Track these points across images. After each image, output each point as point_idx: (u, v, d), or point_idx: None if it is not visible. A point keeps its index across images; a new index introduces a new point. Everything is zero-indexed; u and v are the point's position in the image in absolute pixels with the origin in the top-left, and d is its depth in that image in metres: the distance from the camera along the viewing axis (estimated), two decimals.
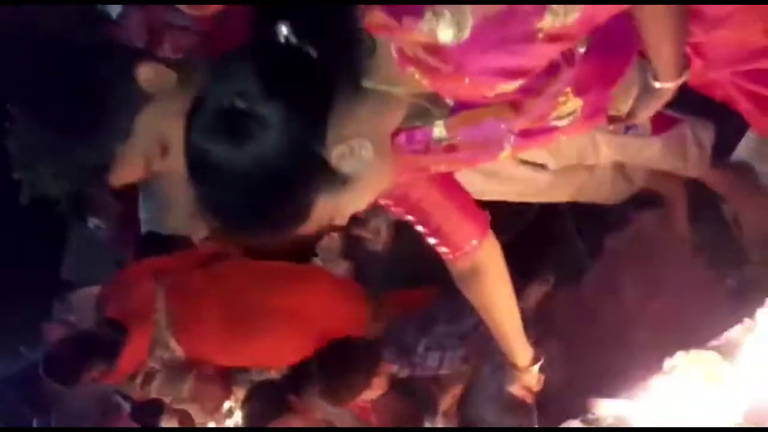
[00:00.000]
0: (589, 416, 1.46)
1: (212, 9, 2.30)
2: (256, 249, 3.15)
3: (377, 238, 3.10)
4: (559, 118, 1.19)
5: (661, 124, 1.73)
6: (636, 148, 1.79)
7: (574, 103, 1.18)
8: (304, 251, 3.45)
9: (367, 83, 0.97)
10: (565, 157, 1.82)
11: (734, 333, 1.20)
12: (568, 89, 1.15)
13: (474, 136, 1.16)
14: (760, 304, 1.13)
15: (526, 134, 1.19)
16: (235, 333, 2.44)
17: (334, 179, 0.97)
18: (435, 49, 0.94)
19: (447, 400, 2.48)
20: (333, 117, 0.93)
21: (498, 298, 1.48)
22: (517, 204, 2.03)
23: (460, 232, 1.37)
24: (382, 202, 1.29)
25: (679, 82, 1.22)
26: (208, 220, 1.04)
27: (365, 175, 0.99)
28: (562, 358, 1.92)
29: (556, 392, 1.80)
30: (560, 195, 1.94)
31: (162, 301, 2.46)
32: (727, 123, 1.75)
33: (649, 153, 1.81)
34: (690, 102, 1.68)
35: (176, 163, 1.24)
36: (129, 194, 2.61)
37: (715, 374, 1.18)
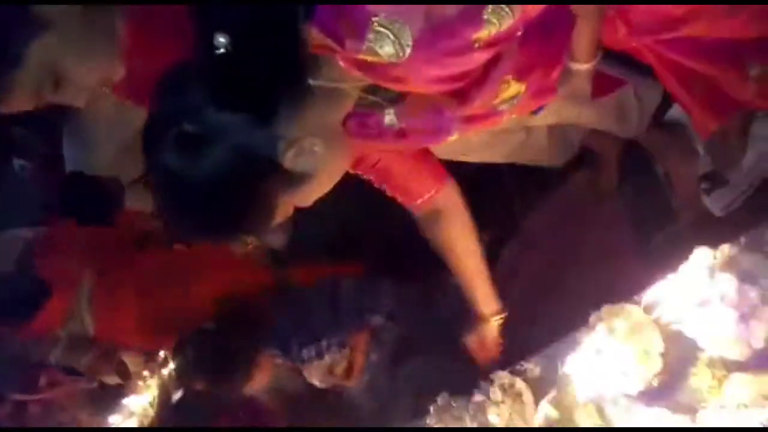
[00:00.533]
0: (518, 367, 1.50)
1: None
2: None
3: None
4: (503, 102, 1.23)
5: (603, 86, 1.73)
6: (573, 112, 1.79)
7: (517, 87, 1.22)
8: None
9: (312, 81, 1.01)
10: None
11: (658, 287, 1.24)
12: (509, 76, 1.18)
13: (422, 124, 1.21)
14: (684, 259, 1.16)
15: (471, 119, 1.23)
16: (147, 330, 2.52)
17: (291, 178, 1.03)
18: (379, 65, 1.00)
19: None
20: (279, 121, 0.98)
21: (460, 241, 1.52)
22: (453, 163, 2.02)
23: (418, 182, 1.43)
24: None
25: (593, 64, 1.31)
26: (170, 224, 1.11)
27: (322, 167, 1.07)
28: None
29: None
30: (495, 155, 1.94)
31: (89, 279, 2.48)
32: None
33: (587, 117, 1.82)
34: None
35: (71, 96, 1.20)
36: (55, 133, 2.50)
37: (637, 327, 1.21)
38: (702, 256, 1.14)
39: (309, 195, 1.10)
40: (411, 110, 1.19)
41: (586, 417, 1.32)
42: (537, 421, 1.41)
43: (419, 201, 1.46)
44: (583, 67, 1.32)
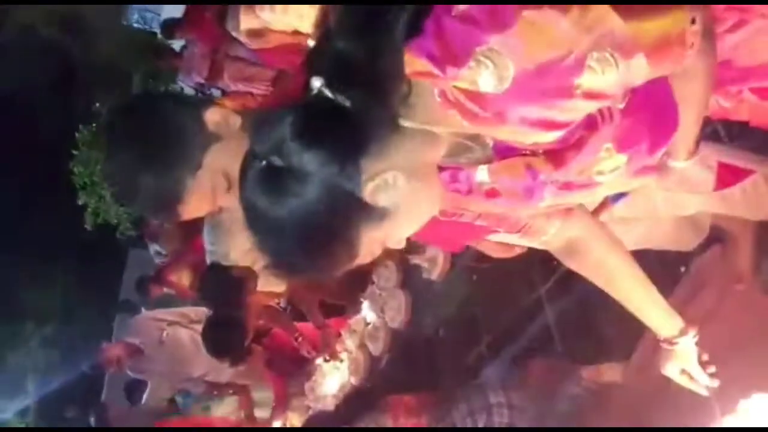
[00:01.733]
0: None
1: (272, 41, 2.39)
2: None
3: (433, 266, 3.12)
4: (601, 173, 1.19)
5: (727, 177, 1.67)
6: (698, 204, 1.73)
7: (617, 160, 1.17)
8: (362, 278, 3.51)
9: (406, 123, 1.02)
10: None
11: None
12: (609, 145, 1.15)
13: (514, 184, 1.17)
14: None
15: (567, 186, 1.19)
16: None
17: (373, 213, 1.01)
18: (476, 96, 0.99)
19: None
20: (365, 157, 0.98)
21: (607, 265, 1.37)
22: None
23: (537, 223, 1.33)
24: (446, 219, 1.29)
25: (692, 161, 1.27)
26: (266, 262, 1.08)
27: (404, 204, 1.04)
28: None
29: None
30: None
31: None
32: None
33: (711, 206, 1.74)
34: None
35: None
36: (189, 224, 2.76)
37: None
38: None
39: (393, 233, 1.07)
40: (504, 169, 1.15)
41: None
42: None
43: (545, 238, 1.35)
44: (679, 164, 1.27)
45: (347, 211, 1.00)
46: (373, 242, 1.05)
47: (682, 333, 1.34)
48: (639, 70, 1.02)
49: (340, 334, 3.67)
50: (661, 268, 2.13)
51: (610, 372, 2.14)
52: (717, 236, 2.03)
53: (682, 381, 1.38)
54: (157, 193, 1.31)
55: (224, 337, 3.13)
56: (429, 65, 0.98)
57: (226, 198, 1.35)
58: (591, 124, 1.09)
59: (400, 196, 1.02)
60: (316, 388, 3.58)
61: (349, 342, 3.50)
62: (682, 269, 2.10)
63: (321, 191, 0.97)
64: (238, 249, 2.35)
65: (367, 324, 3.44)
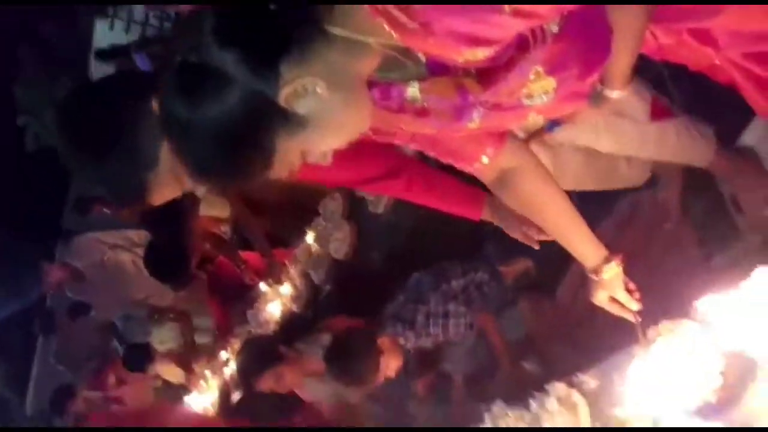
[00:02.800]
0: (575, 379, 1.52)
1: None
2: (258, 204, 3.24)
3: (379, 200, 3.15)
4: (530, 96, 1.19)
5: (661, 111, 1.75)
6: (635, 136, 1.78)
7: (547, 83, 1.18)
8: (307, 212, 3.51)
9: (334, 30, 0.97)
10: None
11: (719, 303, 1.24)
12: (539, 67, 1.15)
13: (443, 104, 1.17)
14: (746, 277, 1.17)
15: (496, 108, 1.19)
16: None
17: (290, 121, 0.98)
18: (403, 6, 0.95)
19: None
20: (284, 60, 0.94)
21: (539, 197, 1.40)
22: None
23: (473, 145, 1.33)
24: (379, 138, 1.28)
25: (623, 94, 1.29)
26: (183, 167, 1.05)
27: (326, 114, 1.00)
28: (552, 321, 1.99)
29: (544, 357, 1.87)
30: (582, 183, 1.93)
31: None
32: (731, 111, 1.77)
33: (649, 141, 1.81)
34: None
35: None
36: None
37: (696, 344, 1.22)
38: (764, 275, 1.15)
39: (313, 145, 1.03)
40: (435, 88, 1.14)
41: None
42: None
43: (478, 164, 1.35)
44: (613, 94, 1.30)
45: (263, 117, 0.96)
46: (290, 152, 1.01)
47: (606, 261, 1.41)
48: None
49: (284, 264, 3.70)
50: (597, 206, 2.22)
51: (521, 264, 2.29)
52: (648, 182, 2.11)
53: (613, 309, 1.46)
54: (120, 192, 1.29)
55: (166, 260, 3.12)
56: None
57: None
58: (522, 44, 1.08)
59: (321, 106, 0.98)
60: (258, 315, 3.61)
61: (293, 271, 3.53)
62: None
63: (237, 94, 0.93)
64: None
65: (311, 254, 3.46)
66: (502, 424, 1.62)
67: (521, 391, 1.64)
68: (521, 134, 1.47)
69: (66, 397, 4.32)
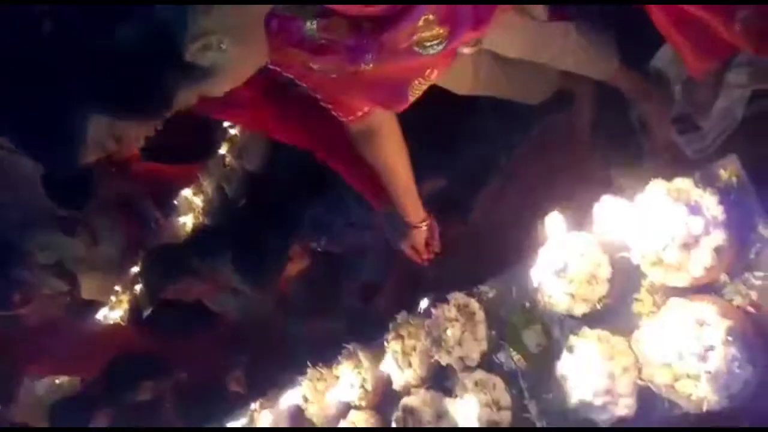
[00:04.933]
0: (474, 289, 1.56)
1: None
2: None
3: None
4: (422, 44, 1.22)
5: (559, 14, 1.74)
6: (536, 34, 1.77)
7: (438, 31, 1.20)
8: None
9: None
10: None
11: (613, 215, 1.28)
12: (430, 15, 1.17)
13: (339, 43, 1.18)
14: (640, 190, 1.19)
15: (388, 52, 1.21)
16: None
17: (193, 72, 1.00)
18: None
19: None
20: (190, 13, 0.95)
21: (391, 159, 1.59)
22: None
23: (350, 100, 1.43)
24: (272, 67, 1.29)
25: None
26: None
27: (228, 64, 1.02)
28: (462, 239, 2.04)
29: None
30: (478, 87, 1.93)
31: None
32: (644, 32, 1.77)
33: (551, 41, 1.80)
34: None
35: (128, 148, 1.25)
36: None
37: (586, 252, 1.26)
38: (657, 188, 1.17)
39: (214, 89, 1.07)
40: (332, 26, 1.16)
41: (534, 336, 1.38)
42: (486, 340, 1.47)
43: (352, 117, 1.47)
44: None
45: (165, 65, 0.97)
46: (190, 96, 1.04)
47: (423, 221, 1.79)
48: None
49: (197, 177, 3.59)
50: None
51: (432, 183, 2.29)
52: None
53: (408, 252, 1.85)
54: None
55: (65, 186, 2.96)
56: None
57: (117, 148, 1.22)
58: None
59: (224, 58, 1.01)
60: (170, 226, 3.52)
61: (206, 183, 3.43)
62: None
63: (143, 35, 0.93)
64: None
65: (225, 166, 3.37)
66: (404, 333, 1.66)
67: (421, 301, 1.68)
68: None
69: None
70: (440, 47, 1.23)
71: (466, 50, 1.57)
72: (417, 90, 1.38)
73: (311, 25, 1.16)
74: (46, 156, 1.08)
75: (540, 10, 1.66)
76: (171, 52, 0.96)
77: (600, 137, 2.11)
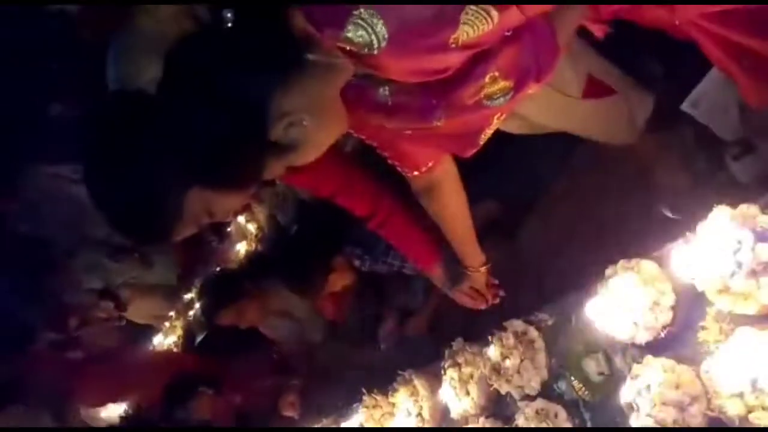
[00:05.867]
0: (533, 317, 1.55)
1: None
2: None
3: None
4: (490, 98, 1.26)
5: (594, 90, 1.75)
6: (563, 110, 1.78)
7: (504, 85, 1.25)
8: None
9: (311, 56, 1.08)
10: None
11: (675, 244, 1.26)
12: (495, 73, 1.22)
13: (410, 104, 1.25)
14: (703, 218, 1.18)
15: (458, 109, 1.27)
16: None
17: (279, 148, 1.10)
18: (358, 54, 1.07)
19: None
20: (276, 91, 1.06)
21: (452, 207, 1.64)
22: None
23: (419, 154, 1.49)
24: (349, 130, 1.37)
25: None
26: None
27: (311, 136, 1.13)
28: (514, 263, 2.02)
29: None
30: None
31: None
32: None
33: (576, 116, 1.80)
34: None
35: (222, 218, 1.36)
36: None
37: (649, 280, 1.25)
38: (721, 215, 1.16)
39: (299, 160, 1.17)
40: (403, 89, 1.23)
41: (595, 365, 1.36)
42: (546, 368, 1.46)
43: (417, 172, 1.52)
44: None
45: (254, 145, 1.07)
46: (277, 168, 1.14)
47: (483, 264, 1.78)
48: (512, 18, 1.10)
49: (250, 204, 3.66)
50: None
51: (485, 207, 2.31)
52: None
53: (466, 298, 1.83)
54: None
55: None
56: (305, 22, 1.05)
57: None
58: (480, 53, 1.16)
59: (306, 132, 1.11)
60: (224, 253, 3.59)
61: (258, 210, 3.50)
62: None
63: (233, 119, 1.04)
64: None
65: (278, 194, 3.42)
66: (460, 360, 1.65)
67: (480, 329, 1.67)
68: None
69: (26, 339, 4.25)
70: (507, 98, 1.27)
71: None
72: (487, 135, 1.42)
73: (384, 91, 1.24)
74: (143, 232, 1.15)
75: (574, 85, 1.69)
76: (257, 134, 1.07)
77: (657, 156, 2.08)
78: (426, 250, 1.85)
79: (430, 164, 1.51)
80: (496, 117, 1.35)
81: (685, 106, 1.74)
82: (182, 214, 1.12)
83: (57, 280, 4.08)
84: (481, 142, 1.42)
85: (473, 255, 1.76)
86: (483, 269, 1.78)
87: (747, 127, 1.75)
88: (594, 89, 1.74)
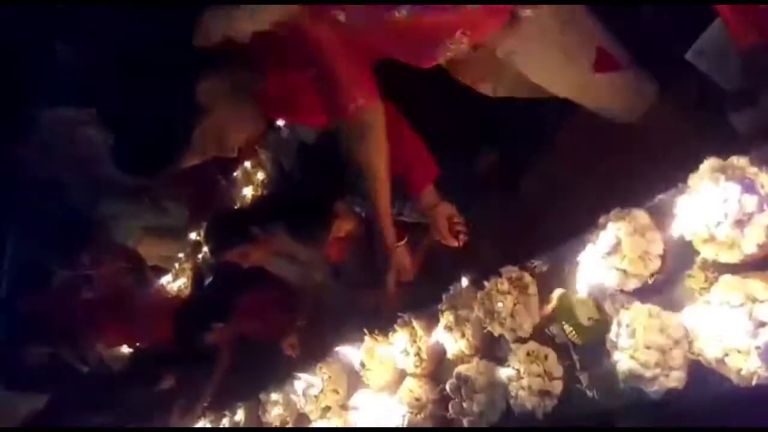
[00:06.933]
0: (528, 263, 1.59)
1: None
2: None
3: None
4: None
5: (603, 63, 1.74)
6: (575, 82, 1.80)
7: None
8: None
9: None
10: None
11: (667, 195, 1.29)
12: None
13: None
14: (695, 169, 1.20)
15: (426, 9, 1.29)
16: None
17: None
18: None
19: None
20: None
21: (374, 162, 1.62)
22: None
23: (354, 85, 1.50)
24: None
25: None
26: None
27: None
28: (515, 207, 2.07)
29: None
30: None
31: None
32: None
33: (587, 89, 1.82)
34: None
35: (228, 153, 1.58)
36: None
37: (640, 229, 1.28)
38: (710, 167, 1.18)
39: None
40: None
41: (585, 309, 1.41)
42: (538, 312, 1.51)
43: (350, 106, 1.52)
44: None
45: None
46: None
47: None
48: None
49: (255, 151, 3.68)
50: None
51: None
52: None
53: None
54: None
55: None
56: None
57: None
58: None
59: None
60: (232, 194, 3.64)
61: (264, 157, 3.52)
62: None
63: None
64: None
65: (281, 139, 3.45)
66: (457, 303, 1.71)
67: (479, 273, 1.72)
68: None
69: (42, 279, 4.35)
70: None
71: (528, 12, 1.58)
72: (449, 52, 1.41)
73: None
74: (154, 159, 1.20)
75: (585, 58, 1.70)
76: None
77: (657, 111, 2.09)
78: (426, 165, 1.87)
79: (361, 101, 1.51)
80: (462, 30, 1.34)
81: (689, 56, 1.74)
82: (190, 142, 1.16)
83: (70, 224, 4.15)
84: (441, 57, 1.42)
85: (390, 231, 1.77)
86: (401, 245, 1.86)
87: (748, 79, 1.75)
88: (605, 63, 1.74)
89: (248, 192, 3.55)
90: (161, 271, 4.69)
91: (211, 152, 1.43)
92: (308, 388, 2.27)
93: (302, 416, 2.40)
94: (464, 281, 1.74)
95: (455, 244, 1.92)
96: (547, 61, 1.72)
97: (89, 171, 3.90)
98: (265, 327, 3.13)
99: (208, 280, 3.88)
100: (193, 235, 4.25)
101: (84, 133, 3.80)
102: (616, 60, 1.78)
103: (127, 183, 3.95)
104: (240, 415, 2.99)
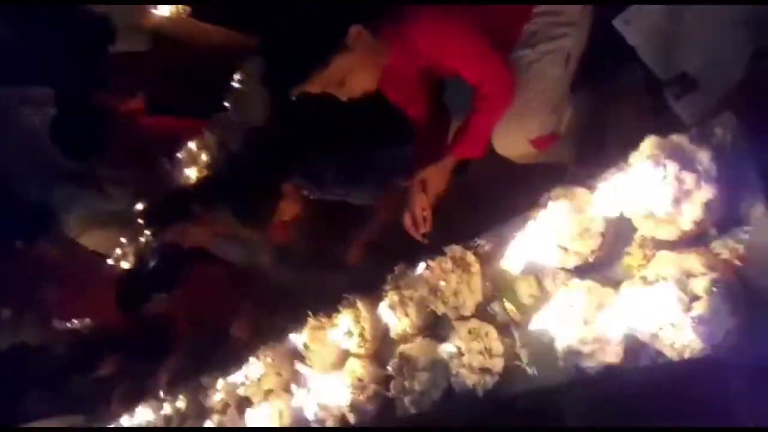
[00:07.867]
0: (471, 243, 1.59)
1: None
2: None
3: None
4: None
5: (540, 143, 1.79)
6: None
7: None
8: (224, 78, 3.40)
9: None
10: None
11: (608, 173, 1.30)
12: None
13: None
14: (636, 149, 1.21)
15: None
16: None
17: None
18: None
19: None
20: None
21: None
22: None
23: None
24: None
25: None
26: None
27: None
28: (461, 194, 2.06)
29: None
30: None
31: None
32: None
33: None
34: None
35: (343, 95, 1.69)
36: None
37: (581, 207, 1.29)
38: (651, 145, 1.19)
39: None
40: None
41: (526, 287, 1.41)
42: (480, 290, 1.51)
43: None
44: None
45: None
46: None
47: None
48: None
49: (202, 132, 3.60)
50: None
51: None
52: None
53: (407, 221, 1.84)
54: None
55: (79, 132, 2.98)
56: None
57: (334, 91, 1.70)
58: None
59: None
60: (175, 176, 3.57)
61: (210, 138, 3.44)
62: None
63: None
64: None
65: (228, 121, 3.37)
66: (401, 283, 1.70)
67: (422, 254, 1.71)
68: None
69: None
70: None
71: None
72: None
73: None
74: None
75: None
76: None
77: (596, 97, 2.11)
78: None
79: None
80: None
81: (616, 22, 1.75)
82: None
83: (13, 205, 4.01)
84: None
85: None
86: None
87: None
88: (541, 143, 1.77)
89: (192, 173, 3.46)
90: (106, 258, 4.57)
91: (332, 87, 1.65)
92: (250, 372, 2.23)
93: (244, 400, 2.36)
94: (409, 261, 1.72)
95: (417, 233, 1.84)
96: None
97: (31, 156, 3.77)
98: (211, 306, 3.06)
99: (152, 264, 3.80)
100: (137, 220, 4.14)
101: (22, 113, 3.67)
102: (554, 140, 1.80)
103: (69, 167, 3.83)
104: (181, 401, 2.93)
